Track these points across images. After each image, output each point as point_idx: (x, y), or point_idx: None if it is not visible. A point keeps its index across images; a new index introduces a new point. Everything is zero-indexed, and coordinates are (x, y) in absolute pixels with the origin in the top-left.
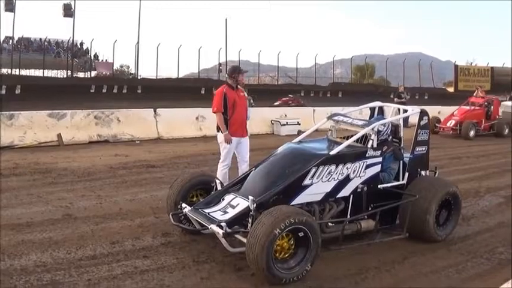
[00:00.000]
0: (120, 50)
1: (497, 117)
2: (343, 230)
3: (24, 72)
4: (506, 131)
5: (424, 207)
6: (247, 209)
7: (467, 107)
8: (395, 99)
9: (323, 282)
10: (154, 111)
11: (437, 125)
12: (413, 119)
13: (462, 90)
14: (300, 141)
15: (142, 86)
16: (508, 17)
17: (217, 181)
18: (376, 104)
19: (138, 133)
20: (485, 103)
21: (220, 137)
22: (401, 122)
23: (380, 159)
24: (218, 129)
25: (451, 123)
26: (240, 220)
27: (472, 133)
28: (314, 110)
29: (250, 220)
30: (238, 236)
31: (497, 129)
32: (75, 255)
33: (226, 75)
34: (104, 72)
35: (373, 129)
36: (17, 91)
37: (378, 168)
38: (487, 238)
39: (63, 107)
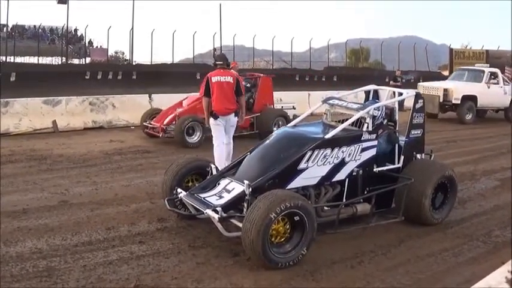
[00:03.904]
0: (114, 36)
1: (268, 106)
2: (339, 213)
3: (19, 59)
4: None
5: (420, 191)
6: (243, 193)
7: None
8: (391, 82)
9: (319, 266)
10: (149, 96)
11: (147, 123)
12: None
13: None
14: (295, 125)
15: (137, 72)
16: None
17: (213, 166)
18: (371, 87)
19: (133, 119)
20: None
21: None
22: (396, 105)
23: (375, 142)
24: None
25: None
26: (235, 205)
27: (194, 138)
28: (309, 94)
29: (245, 204)
30: (234, 221)
31: (261, 127)
32: (71, 242)
33: (228, 63)
34: (98, 59)
35: (368, 112)
36: (12, 78)
37: (373, 151)
38: (483, 221)
39: (58, 93)
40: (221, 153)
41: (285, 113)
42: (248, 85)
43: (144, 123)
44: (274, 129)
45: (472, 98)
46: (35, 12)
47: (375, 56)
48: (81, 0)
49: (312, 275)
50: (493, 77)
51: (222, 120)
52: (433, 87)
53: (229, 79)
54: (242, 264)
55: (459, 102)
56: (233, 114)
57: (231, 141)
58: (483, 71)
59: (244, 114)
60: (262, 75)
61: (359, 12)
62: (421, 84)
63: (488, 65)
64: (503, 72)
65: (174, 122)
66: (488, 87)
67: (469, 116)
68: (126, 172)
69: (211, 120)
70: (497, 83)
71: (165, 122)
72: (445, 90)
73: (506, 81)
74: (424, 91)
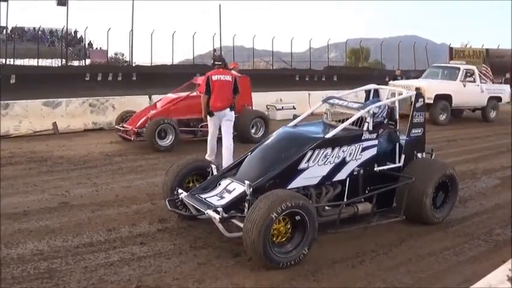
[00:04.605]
0: (114, 38)
1: (246, 107)
2: (340, 213)
3: (19, 61)
4: (261, 132)
5: (421, 190)
6: (244, 193)
7: (182, 94)
8: (391, 81)
9: (320, 266)
10: (149, 97)
11: (119, 126)
12: None
13: None
14: (295, 125)
15: (137, 73)
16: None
17: (213, 166)
18: (371, 86)
19: None
20: None
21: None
22: (396, 104)
23: (376, 141)
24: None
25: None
26: (236, 205)
27: (167, 141)
28: (309, 94)
29: (246, 205)
30: (235, 221)
31: (239, 129)
32: (72, 243)
33: (225, 63)
34: (98, 60)
35: (368, 111)
36: (12, 81)
37: (374, 150)
38: (484, 220)
39: (58, 95)
40: (213, 144)
41: (263, 113)
42: None
43: (117, 126)
44: (252, 131)
45: (447, 97)
46: (35, 14)
47: (375, 56)
48: (80, 0)
49: (313, 274)
50: (469, 74)
51: (217, 117)
52: (404, 86)
53: (229, 78)
54: (243, 265)
55: (432, 101)
56: (228, 109)
57: (231, 141)
58: (458, 68)
59: (237, 108)
60: (239, 75)
61: (359, 12)
62: (392, 82)
63: (465, 62)
64: (480, 69)
65: (147, 125)
66: (464, 86)
67: (443, 117)
68: (127, 173)
69: (208, 116)
70: (474, 81)
71: (137, 125)
72: (417, 89)
73: (484, 79)
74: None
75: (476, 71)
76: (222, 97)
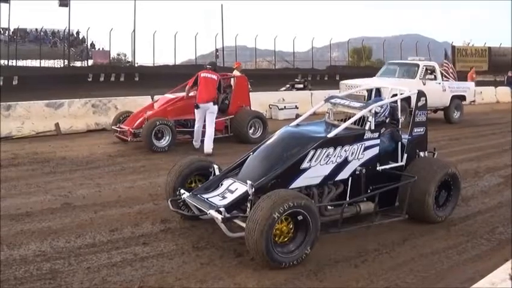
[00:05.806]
0: (116, 39)
1: (244, 107)
2: (342, 212)
3: (21, 63)
4: (259, 132)
5: (423, 189)
6: (246, 193)
7: (179, 94)
8: (343, 81)
9: (323, 265)
10: (152, 97)
11: (116, 127)
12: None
13: (460, 70)
14: (297, 125)
15: (139, 74)
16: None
17: (216, 166)
18: (373, 85)
19: None
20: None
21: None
22: (399, 103)
23: (378, 141)
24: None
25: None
26: (238, 205)
27: (163, 142)
28: (312, 94)
29: (248, 205)
30: (237, 221)
31: (236, 130)
32: (75, 244)
33: (215, 68)
34: (100, 61)
35: (370, 111)
36: (14, 82)
37: (376, 150)
38: (486, 218)
39: (61, 96)
40: (198, 132)
41: (261, 114)
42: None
43: (114, 127)
44: (250, 131)
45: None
46: (37, 15)
47: (377, 55)
48: (82, 0)
49: (316, 274)
50: (429, 71)
51: (201, 109)
52: (357, 86)
53: (214, 77)
54: (246, 265)
55: None
56: (211, 103)
57: (213, 131)
58: (417, 65)
59: (232, 108)
60: (237, 74)
61: (361, 11)
62: (343, 82)
63: (424, 58)
64: (441, 66)
65: (143, 126)
66: (424, 84)
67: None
68: (129, 174)
69: (195, 108)
70: (435, 79)
71: (134, 126)
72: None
73: (446, 77)
74: (347, 90)
75: (438, 68)
76: (207, 92)
